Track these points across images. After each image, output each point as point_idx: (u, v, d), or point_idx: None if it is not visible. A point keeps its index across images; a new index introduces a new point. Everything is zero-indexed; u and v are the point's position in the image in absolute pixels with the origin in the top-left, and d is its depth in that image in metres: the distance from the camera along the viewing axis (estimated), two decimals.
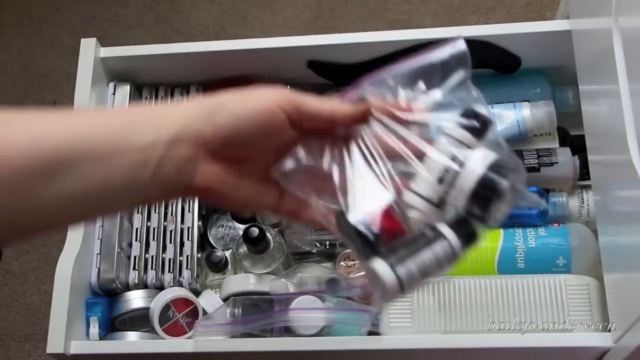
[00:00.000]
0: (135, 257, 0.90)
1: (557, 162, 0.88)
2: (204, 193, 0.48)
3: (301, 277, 0.85)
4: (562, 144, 0.93)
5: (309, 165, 0.51)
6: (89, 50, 0.94)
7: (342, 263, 0.89)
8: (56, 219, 0.45)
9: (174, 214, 0.91)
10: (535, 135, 0.93)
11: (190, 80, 0.98)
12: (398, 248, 0.47)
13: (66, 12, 1.59)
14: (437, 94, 0.52)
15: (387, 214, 0.48)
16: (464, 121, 0.50)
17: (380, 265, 0.46)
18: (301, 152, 0.51)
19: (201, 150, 0.47)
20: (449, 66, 0.53)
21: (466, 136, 0.49)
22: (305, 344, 0.80)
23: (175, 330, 0.86)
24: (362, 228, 0.47)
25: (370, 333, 0.82)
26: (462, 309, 0.81)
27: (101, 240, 0.89)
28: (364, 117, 0.52)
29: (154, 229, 0.91)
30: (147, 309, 0.88)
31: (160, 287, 0.90)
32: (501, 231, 0.86)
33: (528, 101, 0.93)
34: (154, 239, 0.91)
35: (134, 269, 0.90)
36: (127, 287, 0.90)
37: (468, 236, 0.47)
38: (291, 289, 0.85)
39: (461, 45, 0.53)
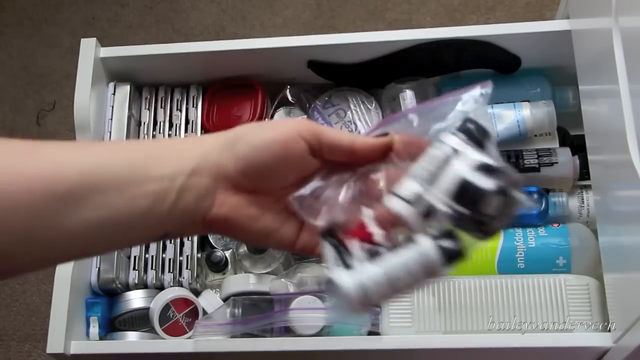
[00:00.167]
0: (135, 257, 0.90)
1: (557, 162, 0.89)
2: (222, 225, 0.48)
3: (301, 277, 0.85)
4: (562, 144, 0.93)
5: (323, 194, 0.49)
6: (89, 50, 0.94)
7: None
8: (76, 248, 0.45)
9: None
10: (535, 135, 0.93)
11: (190, 80, 0.98)
12: (367, 259, 0.44)
13: (66, 12, 1.59)
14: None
15: (359, 224, 0.47)
16: (461, 128, 0.47)
17: (339, 276, 0.44)
18: (318, 181, 0.50)
19: (220, 181, 0.47)
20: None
21: (460, 142, 0.46)
22: (305, 344, 0.80)
23: (175, 330, 0.86)
24: (327, 237, 0.46)
25: (370, 333, 0.82)
26: (462, 309, 0.81)
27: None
28: (385, 152, 0.50)
29: None
30: (147, 309, 0.88)
31: (160, 287, 0.90)
32: (501, 231, 0.86)
33: (528, 101, 0.93)
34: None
35: (134, 269, 0.90)
36: (127, 287, 0.90)
37: (451, 251, 0.44)
38: (291, 289, 0.85)
39: (489, 89, 0.50)
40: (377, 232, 0.46)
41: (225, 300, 0.88)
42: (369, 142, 0.50)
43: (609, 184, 0.76)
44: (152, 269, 0.90)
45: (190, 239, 0.91)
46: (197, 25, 1.54)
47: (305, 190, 0.50)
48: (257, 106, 0.96)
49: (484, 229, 0.45)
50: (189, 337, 0.86)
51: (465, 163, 0.45)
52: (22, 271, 0.46)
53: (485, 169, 0.45)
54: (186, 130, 0.96)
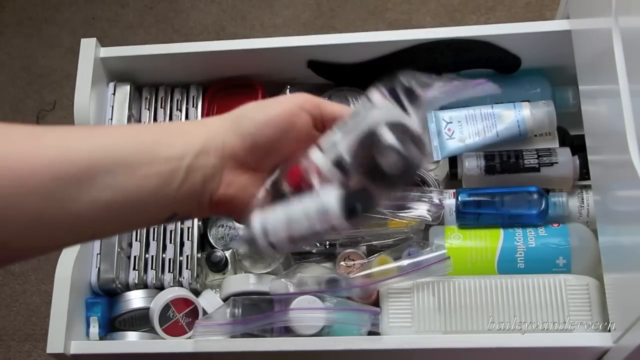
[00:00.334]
0: (135, 257, 0.90)
1: (557, 162, 0.89)
2: (228, 205, 0.48)
3: (301, 277, 0.85)
4: (562, 144, 0.93)
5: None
6: (89, 50, 0.94)
7: (342, 263, 0.89)
8: (87, 229, 0.45)
9: None
10: (535, 135, 0.93)
11: (190, 80, 0.98)
12: (279, 203, 0.46)
13: (66, 12, 1.59)
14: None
15: (294, 169, 0.47)
16: (387, 86, 0.48)
17: (254, 216, 0.46)
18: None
19: (227, 160, 0.48)
20: None
21: (381, 98, 0.47)
22: (305, 344, 0.80)
23: (175, 330, 0.86)
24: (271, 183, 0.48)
25: (370, 333, 0.82)
26: (462, 309, 0.81)
27: (101, 240, 0.89)
28: None
29: (153, 229, 0.91)
30: (147, 309, 0.88)
31: (160, 287, 0.90)
32: (501, 231, 0.86)
33: (528, 101, 0.93)
34: (154, 239, 0.91)
35: (134, 269, 0.90)
36: (127, 287, 0.90)
37: (351, 206, 0.44)
38: (291, 289, 0.85)
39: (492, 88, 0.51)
40: (305, 180, 0.47)
41: (225, 300, 0.88)
42: None
43: (609, 184, 0.76)
44: (152, 269, 0.90)
45: (190, 238, 0.91)
46: (197, 25, 1.54)
47: None
48: None
49: (381, 183, 0.45)
50: (189, 337, 0.86)
51: (378, 117, 0.46)
52: (34, 253, 0.47)
53: (394, 126, 0.45)
54: None
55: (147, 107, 0.97)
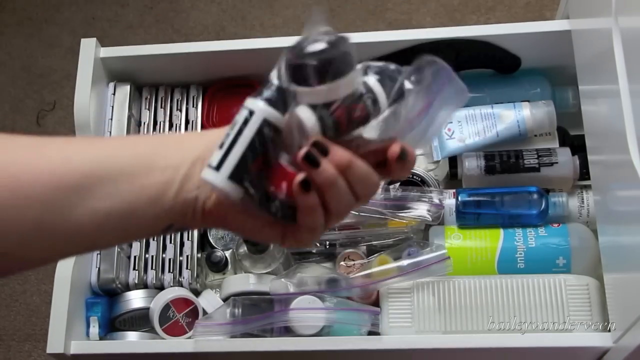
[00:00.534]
0: (135, 257, 0.90)
1: (557, 162, 0.89)
2: (219, 216, 0.48)
3: (301, 277, 0.85)
4: (562, 144, 0.93)
5: None
6: (89, 50, 0.94)
7: (342, 263, 0.89)
8: (86, 239, 0.46)
9: None
10: (535, 135, 0.93)
11: (190, 80, 0.98)
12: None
13: (66, 12, 1.59)
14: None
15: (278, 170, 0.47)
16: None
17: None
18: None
19: None
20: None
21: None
22: (305, 344, 0.80)
23: (175, 330, 0.86)
24: None
25: (370, 333, 0.82)
26: (462, 309, 0.81)
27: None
28: None
29: None
30: (147, 309, 0.88)
31: (160, 287, 0.90)
32: (501, 231, 0.86)
33: (528, 101, 0.93)
34: (153, 239, 0.91)
35: (134, 269, 0.90)
36: (127, 287, 0.90)
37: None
38: (291, 289, 0.85)
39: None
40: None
41: (225, 300, 0.88)
42: None
43: (609, 184, 0.76)
44: (152, 269, 0.90)
45: (190, 238, 0.91)
46: (197, 25, 1.54)
47: None
48: None
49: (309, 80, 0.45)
50: (189, 337, 0.86)
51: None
52: (33, 264, 0.47)
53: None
54: (186, 130, 0.96)
55: (147, 107, 0.97)
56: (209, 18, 1.54)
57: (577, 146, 0.89)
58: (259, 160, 0.45)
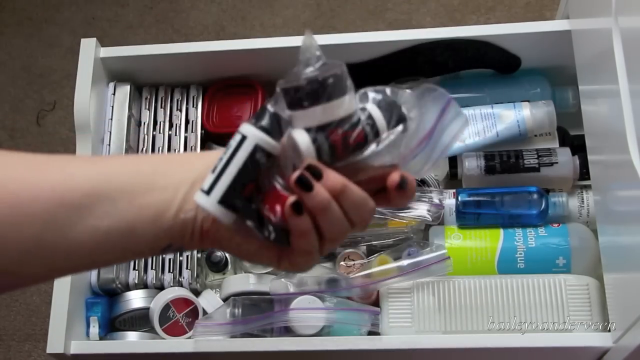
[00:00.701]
0: None
1: (557, 162, 0.89)
2: (216, 237, 0.48)
3: (301, 277, 0.85)
4: (562, 144, 0.93)
5: None
6: (89, 50, 0.94)
7: (342, 263, 0.89)
8: (85, 257, 0.46)
9: None
10: (535, 135, 0.93)
11: (190, 80, 0.98)
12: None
13: (66, 12, 1.59)
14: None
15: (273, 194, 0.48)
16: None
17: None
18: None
19: None
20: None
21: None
22: (305, 344, 0.80)
23: (175, 330, 0.86)
24: None
25: (370, 333, 0.82)
26: (462, 309, 0.81)
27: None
28: None
29: None
30: (147, 309, 0.88)
31: (160, 287, 0.90)
32: (501, 231, 0.86)
33: (528, 101, 0.93)
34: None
35: (134, 269, 0.90)
36: (127, 287, 0.90)
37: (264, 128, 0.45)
38: (291, 289, 0.85)
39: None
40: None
41: (225, 300, 0.88)
42: None
43: (609, 184, 0.76)
44: (152, 269, 0.90)
45: None
46: (197, 25, 1.54)
47: None
48: (257, 106, 0.96)
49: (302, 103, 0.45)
50: (189, 337, 0.86)
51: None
52: (31, 281, 0.47)
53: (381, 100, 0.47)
54: (186, 130, 0.96)
55: (147, 107, 0.97)
56: (209, 18, 1.54)
57: (577, 146, 0.89)
58: (251, 185, 0.46)
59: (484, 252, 0.85)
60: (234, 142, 0.46)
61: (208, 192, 0.45)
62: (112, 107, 0.95)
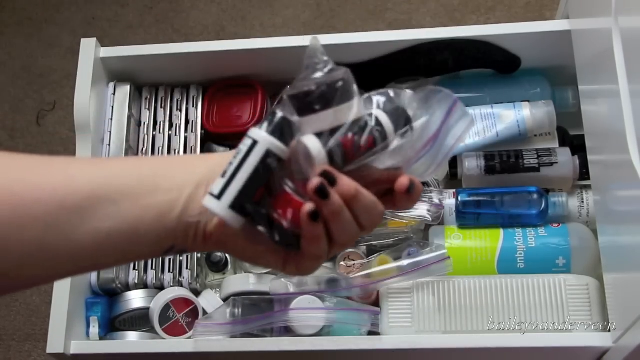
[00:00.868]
0: None
1: (557, 162, 0.89)
2: (221, 237, 0.48)
3: (301, 277, 0.85)
4: (562, 144, 0.93)
5: None
6: (89, 50, 0.94)
7: (342, 263, 0.89)
8: (87, 259, 0.46)
9: None
10: (535, 135, 0.93)
11: (190, 80, 0.98)
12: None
13: (66, 12, 1.59)
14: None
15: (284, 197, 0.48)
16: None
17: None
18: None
19: None
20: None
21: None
22: (305, 344, 0.80)
23: (175, 330, 0.86)
24: None
25: (370, 333, 0.82)
26: (462, 309, 0.81)
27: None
28: None
29: None
30: (147, 309, 0.88)
31: (160, 287, 0.90)
32: (501, 231, 0.86)
33: (528, 101, 0.93)
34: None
35: (134, 269, 0.90)
36: (127, 287, 0.90)
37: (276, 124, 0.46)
38: (291, 289, 0.85)
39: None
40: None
41: (225, 300, 0.88)
42: None
43: (609, 184, 0.76)
44: (152, 269, 0.90)
45: None
46: (197, 25, 1.54)
47: None
48: (257, 106, 0.96)
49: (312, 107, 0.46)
50: (189, 337, 0.86)
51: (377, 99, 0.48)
52: (33, 284, 0.47)
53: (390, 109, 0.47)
54: (186, 130, 0.96)
55: (147, 107, 0.97)
56: (209, 18, 1.54)
57: (577, 146, 0.89)
58: (261, 189, 0.46)
59: (484, 252, 0.85)
60: (244, 147, 0.46)
61: (219, 196, 0.45)
62: (112, 107, 0.95)
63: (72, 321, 0.83)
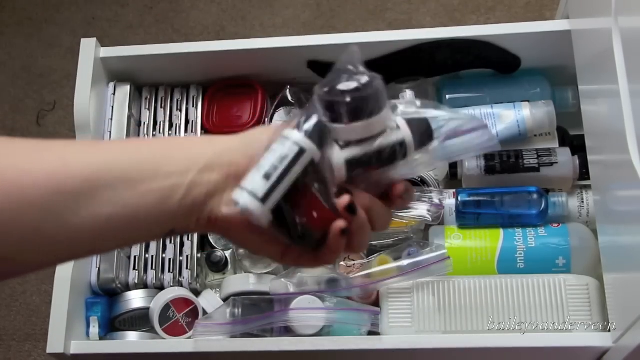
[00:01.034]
0: (135, 257, 0.90)
1: (557, 162, 0.89)
2: (225, 223, 0.48)
3: (301, 277, 0.85)
4: (562, 144, 0.93)
5: None
6: (89, 50, 0.94)
7: (342, 263, 0.89)
8: (85, 244, 0.45)
9: None
10: (535, 135, 0.93)
11: (190, 80, 0.98)
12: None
13: (66, 12, 1.59)
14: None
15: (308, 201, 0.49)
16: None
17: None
18: None
19: (231, 180, 0.47)
20: None
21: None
22: (305, 344, 0.80)
23: (175, 330, 0.86)
24: None
25: (370, 333, 0.82)
26: (462, 309, 0.81)
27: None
28: None
29: None
30: (147, 309, 0.88)
31: (160, 287, 0.90)
32: (501, 231, 0.86)
33: (528, 101, 0.93)
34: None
35: (134, 269, 0.90)
36: (127, 287, 0.90)
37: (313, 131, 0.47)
38: (291, 289, 0.85)
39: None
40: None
41: (225, 300, 0.88)
42: None
43: (609, 184, 0.76)
44: (152, 269, 0.90)
45: (190, 238, 0.91)
46: (197, 25, 1.54)
47: None
48: (257, 106, 0.96)
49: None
50: (189, 337, 0.86)
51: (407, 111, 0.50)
52: (32, 269, 0.46)
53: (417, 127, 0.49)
54: (186, 130, 0.96)
55: (147, 107, 0.97)
56: (209, 18, 1.54)
57: (577, 146, 0.89)
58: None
59: (483, 252, 0.85)
60: (290, 153, 0.46)
61: (263, 200, 0.45)
62: (112, 107, 0.95)
63: (72, 321, 0.83)
